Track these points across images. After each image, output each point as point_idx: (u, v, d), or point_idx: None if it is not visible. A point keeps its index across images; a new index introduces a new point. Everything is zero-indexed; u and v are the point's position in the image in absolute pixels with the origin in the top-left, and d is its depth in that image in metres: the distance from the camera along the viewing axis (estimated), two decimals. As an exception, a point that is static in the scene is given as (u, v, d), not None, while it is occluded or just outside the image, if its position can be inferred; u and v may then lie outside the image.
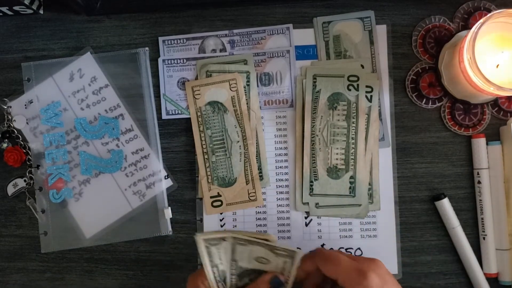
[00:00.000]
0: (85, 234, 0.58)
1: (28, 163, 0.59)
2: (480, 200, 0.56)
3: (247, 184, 0.57)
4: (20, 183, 0.59)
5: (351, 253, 0.57)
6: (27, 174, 0.59)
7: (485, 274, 0.55)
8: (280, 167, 0.58)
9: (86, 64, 0.59)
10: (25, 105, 0.59)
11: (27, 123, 0.59)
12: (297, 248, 0.46)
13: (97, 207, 0.58)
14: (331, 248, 0.56)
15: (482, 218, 0.56)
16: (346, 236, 0.58)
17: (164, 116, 0.59)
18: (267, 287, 0.45)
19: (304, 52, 0.58)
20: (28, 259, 0.59)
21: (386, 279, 0.42)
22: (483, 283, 0.55)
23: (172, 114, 0.58)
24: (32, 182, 0.59)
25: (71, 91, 0.59)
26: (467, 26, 0.57)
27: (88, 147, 0.58)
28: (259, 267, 0.47)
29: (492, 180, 0.56)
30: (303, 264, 0.46)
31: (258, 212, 0.58)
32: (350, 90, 0.57)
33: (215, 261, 0.47)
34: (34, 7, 0.58)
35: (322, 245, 0.58)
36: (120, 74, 0.59)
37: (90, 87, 0.59)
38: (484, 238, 0.56)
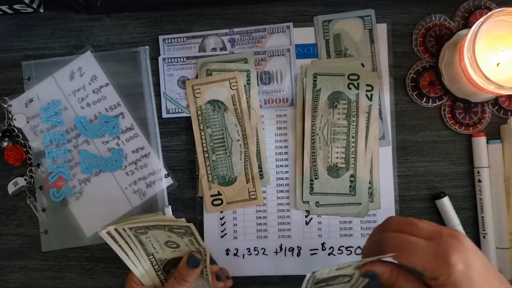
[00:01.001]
0: (86, 232, 0.58)
1: (28, 161, 0.59)
2: (481, 198, 0.56)
3: (247, 182, 0.57)
4: (21, 181, 0.59)
5: (351, 251, 0.57)
6: (28, 172, 0.59)
7: (485, 272, 0.55)
8: (281, 165, 0.58)
9: (87, 63, 0.59)
10: (26, 104, 0.59)
11: (27, 121, 0.59)
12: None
13: (97, 205, 0.58)
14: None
15: (482, 217, 0.56)
16: (347, 235, 0.58)
17: (164, 115, 0.59)
18: (188, 269, 0.45)
19: (304, 51, 0.58)
20: (29, 257, 0.59)
21: (472, 263, 0.36)
22: (483, 281, 0.55)
23: (173, 113, 0.58)
24: (32, 180, 0.59)
25: (72, 89, 0.59)
26: (467, 25, 0.57)
27: (89, 145, 0.58)
28: (174, 254, 0.48)
29: (493, 179, 0.56)
30: (379, 267, 0.40)
31: (259, 211, 0.58)
32: (350, 88, 0.57)
33: (149, 250, 0.47)
34: (34, 5, 0.58)
35: (323, 244, 0.58)
36: (121, 73, 0.59)
37: (90, 85, 0.59)
38: (484, 237, 0.56)
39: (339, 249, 0.58)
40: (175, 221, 0.43)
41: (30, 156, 0.59)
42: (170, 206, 0.58)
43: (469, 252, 0.37)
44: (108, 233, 0.45)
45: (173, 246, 0.47)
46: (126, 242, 0.46)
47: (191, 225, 0.44)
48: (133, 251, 0.47)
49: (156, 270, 0.49)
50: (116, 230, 0.45)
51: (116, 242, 0.46)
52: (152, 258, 0.48)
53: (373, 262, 0.41)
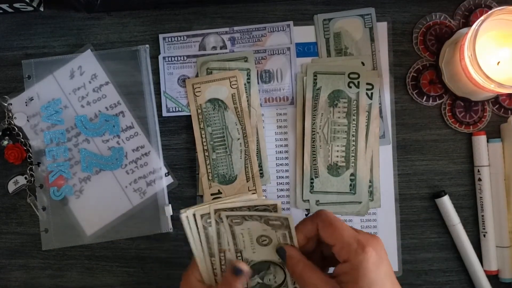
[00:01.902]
0: (86, 231, 0.58)
1: (28, 160, 0.59)
2: (481, 197, 0.56)
3: (247, 181, 0.57)
4: (21, 180, 0.59)
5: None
6: (28, 171, 0.59)
7: (485, 271, 0.56)
8: (281, 164, 0.58)
9: (87, 62, 0.59)
10: (26, 102, 0.59)
11: (27, 120, 0.59)
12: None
13: (97, 204, 0.58)
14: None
15: (482, 216, 0.56)
16: (347, 234, 0.57)
17: (164, 114, 0.59)
18: (233, 276, 0.43)
19: (304, 50, 0.58)
20: (29, 256, 0.59)
21: (383, 257, 0.40)
22: (484, 280, 0.55)
23: (173, 112, 0.58)
24: (32, 179, 0.59)
25: (72, 88, 0.59)
26: (468, 23, 0.57)
27: (89, 144, 0.59)
28: (264, 255, 0.45)
29: (493, 178, 0.56)
30: (303, 227, 0.43)
31: (259, 210, 0.58)
32: (350, 87, 0.57)
33: (240, 245, 0.45)
34: (35, 4, 0.58)
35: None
36: (121, 72, 0.59)
37: (90, 84, 0.59)
38: (484, 236, 0.56)
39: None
40: (279, 216, 0.42)
41: (31, 155, 0.59)
42: (170, 205, 0.58)
43: (383, 251, 0.41)
44: (194, 216, 0.43)
45: (264, 243, 0.45)
46: (216, 231, 0.44)
47: (290, 216, 0.42)
48: (208, 244, 0.44)
49: (223, 270, 0.46)
50: (204, 215, 0.43)
51: (197, 228, 0.43)
52: (239, 256, 0.45)
53: (287, 245, 0.43)
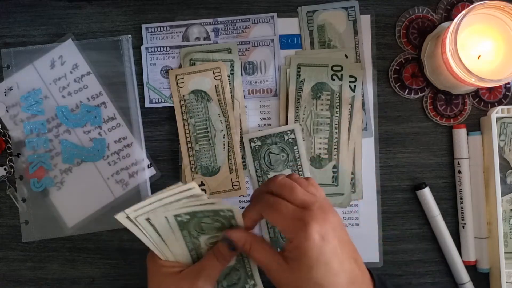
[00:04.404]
0: (67, 223, 0.58)
1: (8, 151, 0.58)
2: (460, 189, 0.57)
3: (230, 173, 0.57)
4: (0, 171, 0.58)
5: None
6: (7, 162, 0.58)
7: (464, 261, 0.57)
8: (264, 156, 0.58)
9: (68, 51, 0.58)
10: (5, 92, 0.58)
11: (7, 110, 0.58)
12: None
13: (79, 196, 0.58)
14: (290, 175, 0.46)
15: (461, 207, 0.57)
16: (329, 225, 0.58)
17: (147, 105, 0.58)
18: (229, 252, 0.44)
19: (288, 41, 0.58)
20: (9, 248, 0.59)
21: (328, 234, 0.39)
22: (462, 270, 0.56)
23: (155, 103, 0.58)
24: (12, 170, 0.58)
25: (52, 78, 0.58)
26: (450, 17, 0.57)
27: (70, 135, 0.58)
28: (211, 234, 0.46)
29: (472, 170, 0.57)
30: (248, 214, 0.44)
31: (242, 201, 0.58)
32: (333, 80, 0.57)
33: (194, 242, 0.46)
34: (14, -8, 0.56)
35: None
36: (102, 62, 0.58)
37: (71, 74, 0.58)
38: (463, 227, 0.57)
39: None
40: (225, 208, 0.42)
41: (10, 146, 0.58)
42: (153, 197, 0.58)
43: (329, 226, 0.39)
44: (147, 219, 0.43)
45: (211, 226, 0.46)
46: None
47: (236, 208, 0.43)
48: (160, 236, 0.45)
49: (190, 249, 0.47)
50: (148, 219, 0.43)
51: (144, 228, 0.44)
52: (190, 246, 0.46)
53: (231, 229, 0.43)
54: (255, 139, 0.57)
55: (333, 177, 0.57)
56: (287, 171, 0.57)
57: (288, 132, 0.56)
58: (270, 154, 0.57)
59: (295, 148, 0.56)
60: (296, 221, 0.39)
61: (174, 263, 0.46)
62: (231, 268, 0.49)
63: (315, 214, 0.39)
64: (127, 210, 0.43)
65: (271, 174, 0.57)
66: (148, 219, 0.44)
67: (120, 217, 0.43)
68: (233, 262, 0.49)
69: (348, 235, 0.42)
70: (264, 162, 0.57)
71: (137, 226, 0.44)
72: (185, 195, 0.44)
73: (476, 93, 0.58)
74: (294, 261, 0.40)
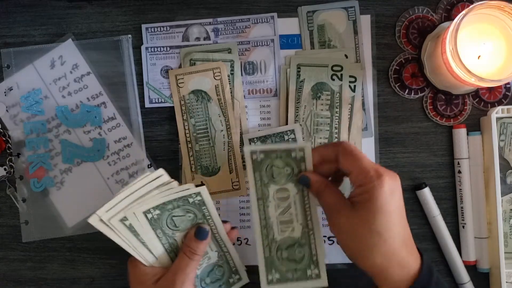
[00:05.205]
0: (67, 223, 0.58)
1: (8, 151, 0.58)
2: (460, 189, 0.57)
3: (230, 173, 0.57)
4: (0, 171, 0.58)
5: (333, 241, 0.58)
6: (7, 162, 0.58)
7: (464, 261, 0.57)
8: (264, 156, 0.58)
9: (68, 51, 0.58)
10: (5, 92, 0.58)
11: (7, 110, 0.58)
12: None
13: (79, 196, 0.58)
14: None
15: (461, 207, 0.57)
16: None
17: (147, 105, 0.58)
18: (197, 242, 0.46)
19: (288, 41, 0.58)
20: (9, 248, 0.59)
21: (396, 191, 0.42)
22: (462, 270, 0.56)
23: (155, 103, 0.58)
24: (12, 170, 0.58)
25: (52, 78, 0.58)
26: (450, 17, 0.57)
27: (70, 135, 0.58)
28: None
29: (472, 170, 0.57)
30: (324, 149, 0.46)
31: (242, 201, 0.58)
32: (333, 80, 0.57)
33: (157, 231, 0.46)
34: (14, -8, 0.56)
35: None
36: (102, 62, 0.58)
37: (71, 74, 0.58)
38: (463, 227, 0.57)
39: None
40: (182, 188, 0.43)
41: (10, 146, 0.58)
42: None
43: (398, 187, 0.43)
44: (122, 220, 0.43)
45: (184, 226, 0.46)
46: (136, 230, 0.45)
47: (203, 189, 0.44)
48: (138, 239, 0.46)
49: (169, 251, 0.48)
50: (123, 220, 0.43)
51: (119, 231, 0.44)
52: (168, 247, 0.47)
53: (308, 171, 0.46)
54: (255, 139, 0.57)
55: (333, 177, 0.57)
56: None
57: (288, 132, 0.56)
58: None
59: None
60: (372, 170, 0.42)
61: (156, 269, 0.47)
62: (214, 266, 0.50)
63: (389, 173, 0.42)
64: (99, 212, 0.42)
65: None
66: (123, 220, 0.43)
67: (93, 220, 0.42)
68: (215, 259, 0.49)
69: None
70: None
71: (112, 230, 0.44)
72: (154, 185, 0.44)
73: (476, 93, 0.58)
74: (361, 205, 0.42)
